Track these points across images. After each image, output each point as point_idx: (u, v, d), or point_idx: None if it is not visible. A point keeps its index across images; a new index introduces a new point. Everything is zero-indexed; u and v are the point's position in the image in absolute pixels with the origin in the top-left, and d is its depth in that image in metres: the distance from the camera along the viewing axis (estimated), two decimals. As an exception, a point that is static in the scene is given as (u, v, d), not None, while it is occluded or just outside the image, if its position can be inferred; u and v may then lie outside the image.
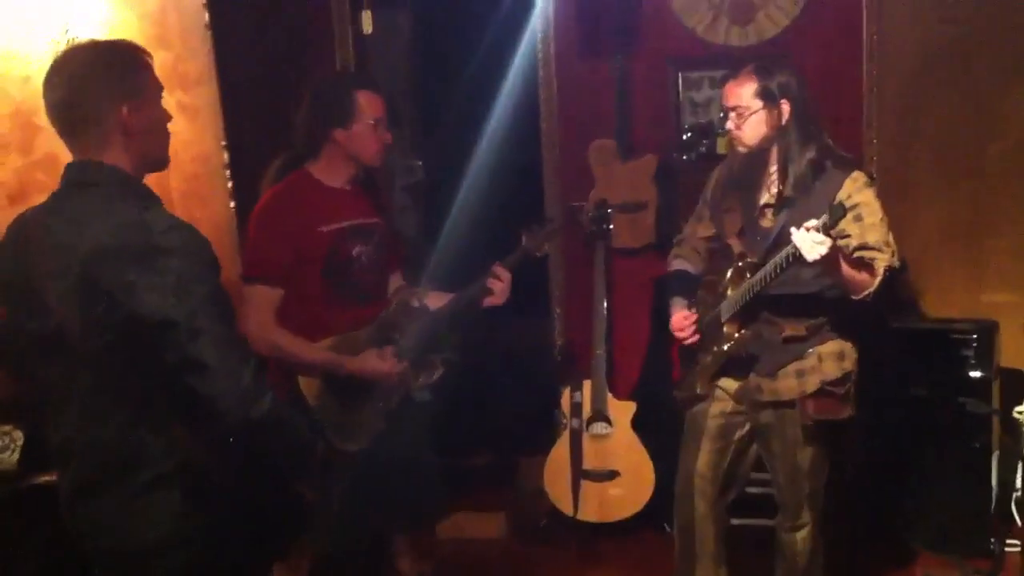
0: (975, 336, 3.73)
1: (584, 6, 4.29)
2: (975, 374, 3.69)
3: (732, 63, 4.14)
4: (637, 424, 3.99)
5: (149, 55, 2.12)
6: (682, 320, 3.14)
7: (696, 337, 3.13)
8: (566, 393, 4.11)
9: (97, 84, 2.03)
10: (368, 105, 3.03)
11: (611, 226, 4.18)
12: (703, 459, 3.12)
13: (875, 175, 4.16)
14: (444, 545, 3.76)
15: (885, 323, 4.00)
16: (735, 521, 3.26)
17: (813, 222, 2.54)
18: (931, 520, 3.76)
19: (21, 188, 3.33)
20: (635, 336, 4.24)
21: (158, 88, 2.13)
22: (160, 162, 2.16)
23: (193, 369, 1.93)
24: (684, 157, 4.34)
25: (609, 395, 4.02)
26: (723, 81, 3.02)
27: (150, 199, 2.07)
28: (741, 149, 2.95)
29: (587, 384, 4.04)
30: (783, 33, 4.20)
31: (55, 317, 2.00)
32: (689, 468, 3.15)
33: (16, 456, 3.15)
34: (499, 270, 3.16)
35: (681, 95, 4.33)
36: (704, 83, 4.32)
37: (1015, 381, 3.86)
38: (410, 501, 3.14)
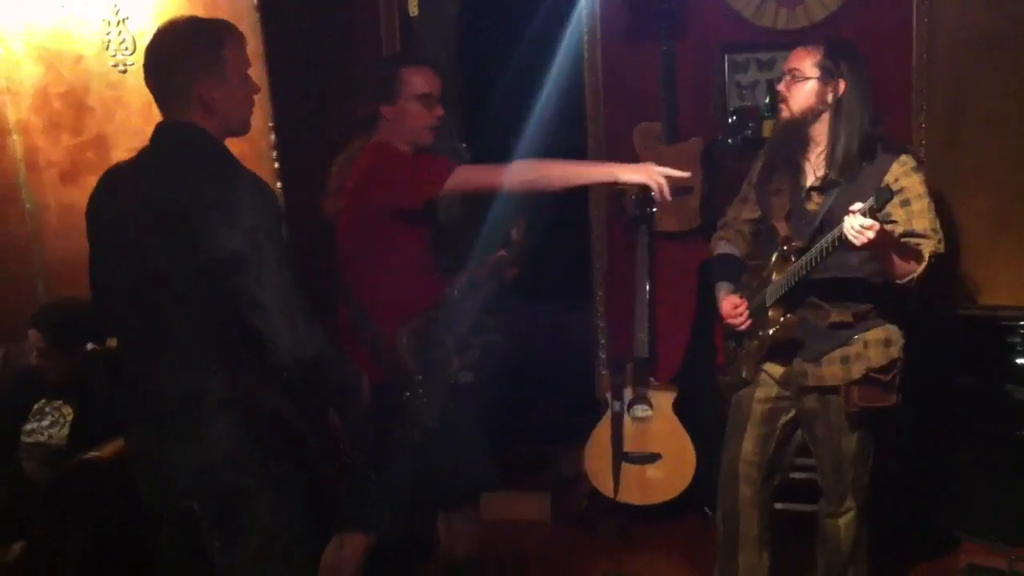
0: (1022, 323, 3.69)
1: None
2: (1022, 361, 3.64)
3: (779, 46, 4.21)
4: (679, 408, 3.99)
5: (239, 34, 2.28)
6: (733, 306, 3.10)
7: (748, 323, 3.09)
8: (607, 376, 4.11)
9: (176, 59, 2.22)
10: (413, 80, 3.06)
11: (655, 209, 4.17)
12: (748, 444, 3.10)
13: (924, 161, 4.12)
14: (487, 527, 3.79)
15: (932, 309, 3.98)
16: (779, 506, 3.25)
17: (859, 205, 2.51)
18: (976, 508, 3.71)
19: (73, 167, 3.40)
20: (678, 320, 4.23)
21: (241, 66, 2.29)
22: (240, 131, 2.33)
23: (256, 308, 2.11)
24: (729, 140, 4.31)
25: (651, 379, 4.02)
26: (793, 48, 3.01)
27: (229, 157, 2.23)
28: (784, 113, 2.94)
29: (629, 367, 4.04)
30: (832, 16, 4.14)
31: (144, 258, 2.16)
32: (734, 453, 3.13)
33: (66, 431, 3.22)
34: (505, 257, 3.23)
35: (727, 78, 4.30)
36: (751, 66, 4.28)
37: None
38: (456, 476, 3.17)
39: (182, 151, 2.20)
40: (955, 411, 3.69)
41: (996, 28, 3.98)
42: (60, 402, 3.27)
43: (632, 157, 4.32)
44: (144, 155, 2.26)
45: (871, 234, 2.51)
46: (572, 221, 4.66)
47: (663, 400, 4.00)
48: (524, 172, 2.93)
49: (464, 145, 4.37)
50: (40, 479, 3.19)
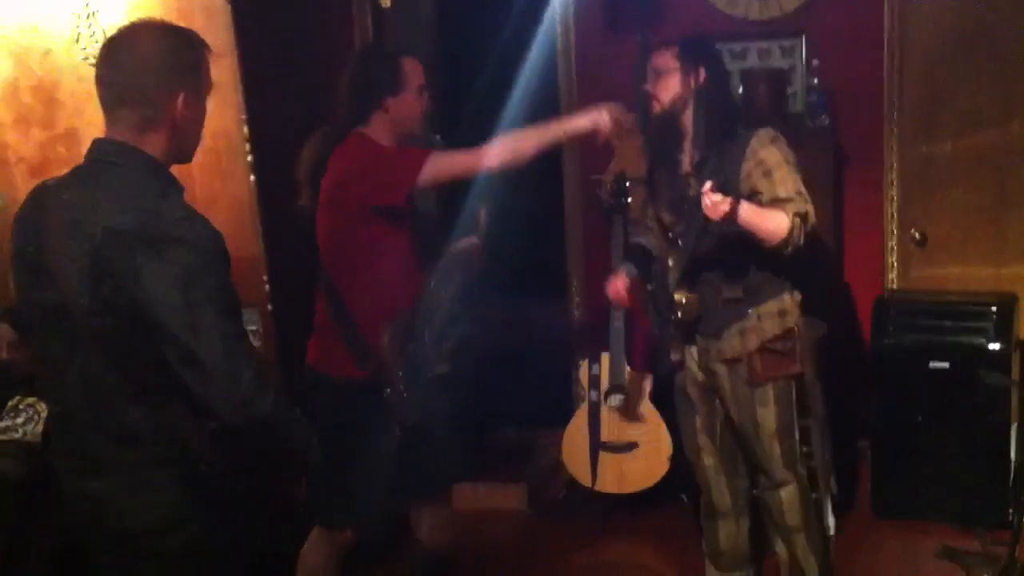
0: (994, 309, 3.73)
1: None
2: (994, 346, 3.68)
3: (752, 36, 4.23)
4: (655, 396, 4.01)
5: (211, 49, 2.12)
6: (616, 284, 3.24)
7: (628, 303, 3.29)
8: (584, 365, 4.13)
9: (161, 68, 2.03)
10: (414, 72, 3.08)
11: (630, 199, 4.18)
12: (699, 422, 3.22)
13: (896, 149, 4.16)
14: (463, 517, 3.80)
15: (905, 296, 4.02)
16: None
17: (708, 184, 2.70)
18: (950, 493, 3.76)
19: (43, 161, 3.38)
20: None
21: (211, 83, 2.13)
22: (190, 155, 2.16)
23: (191, 365, 1.92)
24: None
25: (627, 367, 4.03)
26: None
27: (171, 186, 2.05)
28: (656, 109, 3.08)
29: (605, 356, 4.06)
30: (804, 7, 4.17)
31: (63, 290, 1.98)
32: (688, 429, 3.26)
33: (40, 428, 3.20)
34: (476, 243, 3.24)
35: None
36: (724, 56, 4.28)
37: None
38: (431, 467, 3.18)
39: (118, 175, 2.00)
40: (929, 396, 3.73)
41: (969, 24, 4.02)
42: (34, 399, 3.25)
43: (605, 147, 4.34)
44: (76, 174, 2.07)
45: (725, 207, 2.68)
46: (547, 211, 4.67)
47: (639, 389, 4.01)
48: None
49: (438, 136, 4.36)
50: (16, 476, 3.17)
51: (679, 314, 3.06)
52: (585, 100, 4.38)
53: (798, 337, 3.06)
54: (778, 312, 3.04)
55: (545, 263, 4.65)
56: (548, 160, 4.47)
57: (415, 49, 4.87)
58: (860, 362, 3.99)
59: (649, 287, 3.26)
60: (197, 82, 2.09)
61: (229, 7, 3.30)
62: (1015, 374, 3.71)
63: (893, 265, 4.24)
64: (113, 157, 2.03)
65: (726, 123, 3.01)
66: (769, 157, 2.93)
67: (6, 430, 3.29)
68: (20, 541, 2.99)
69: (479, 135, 4.02)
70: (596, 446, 4.04)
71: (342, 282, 3.05)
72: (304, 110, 3.47)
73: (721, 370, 3.07)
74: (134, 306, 1.91)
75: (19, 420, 3.29)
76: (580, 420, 4.08)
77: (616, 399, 4.02)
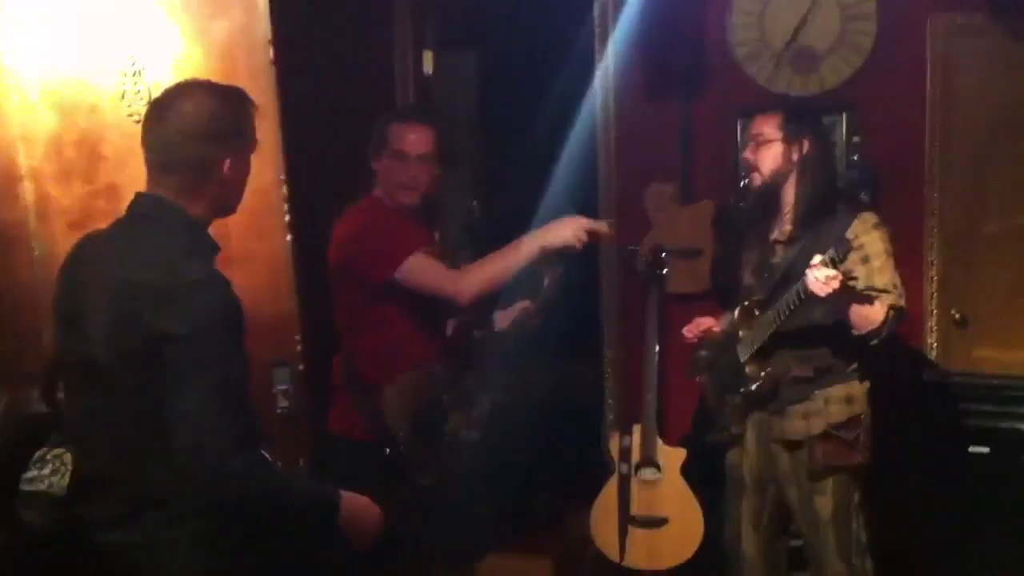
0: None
1: (647, 51, 4.29)
2: (1036, 433, 3.60)
3: None
4: (687, 471, 3.93)
5: (256, 106, 2.14)
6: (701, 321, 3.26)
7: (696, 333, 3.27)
8: (615, 437, 4.06)
9: (207, 135, 2.04)
10: (398, 137, 3.09)
11: (665, 271, 4.15)
12: (747, 507, 3.12)
13: (937, 229, 4.11)
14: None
15: (947, 377, 3.94)
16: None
17: (819, 257, 2.60)
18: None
19: (83, 216, 3.39)
20: (687, 382, 4.18)
21: (256, 141, 2.16)
22: (233, 210, 2.19)
23: (173, 420, 1.92)
24: (741, 204, 4.30)
25: (659, 440, 3.97)
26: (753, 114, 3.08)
27: (202, 246, 2.07)
28: (756, 177, 2.99)
29: (637, 428, 3.99)
30: (845, 84, 4.16)
31: (92, 343, 2.00)
32: (734, 514, 3.18)
33: (67, 480, 3.17)
34: (528, 307, 3.20)
35: (740, 142, 4.30)
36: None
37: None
38: (459, 537, 3.13)
39: (152, 231, 2.03)
40: (970, 482, 3.64)
41: (1016, 96, 3.98)
42: (62, 450, 3.24)
43: (643, 217, 4.32)
44: (115, 228, 2.12)
45: (835, 284, 2.59)
46: (583, 280, 4.64)
47: (671, 463, 3.94)
48: (474, 280, 2.94)
49: (475, 203, 4.37)
50: (40, 528, 3.15)
51: (753, 387, 2.99)
52: (624, 165, 4.40)
53: (864, 427, 2.98)
54: (846, 398, 2.95)
55: (578, 332, 4.60)
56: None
57: (456, 116, 4.95)
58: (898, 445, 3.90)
59: (703, 353, 3.19)
60: (243, 144, 2.12)
61: (273, 68, 3.32)
62: (1058, 462, 3.62)
63: (933, 346, 4.17)
64: (150, 212, 2.06)
65: (829, 199, 2.95)
66: (870, 243, 2.87)
67: (33, 480, 3.27)
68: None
69: (517, 200, 4.04)
70: (625, 520, 3.96)
71: (349, 342, 3.06)
72: (343, 172, 3.49)
73: (779, 450, 2.99)
74: (151, 361, 1.92)
75: (46, 471, 3.26)
76: (609, 493, 4.00)
77: (647, 472, 3.95)
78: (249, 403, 2.08)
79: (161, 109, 2.08)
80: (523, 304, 3.27)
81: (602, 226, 2.98)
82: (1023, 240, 4.04)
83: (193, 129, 2.03)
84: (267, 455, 2.18)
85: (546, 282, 3.23)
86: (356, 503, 2.20)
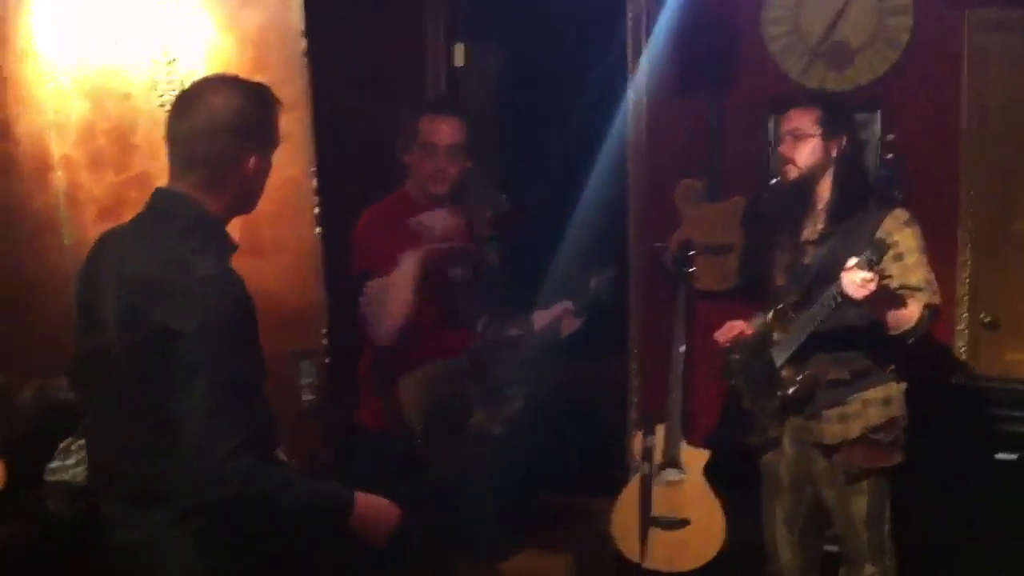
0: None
1: (680, 45, 4.26)
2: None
3: None
4: (710, 472, 3.91)
5: (282, 104, 2.12)
6: (734, 324, 3.17)
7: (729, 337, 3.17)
8: (639, 436, 4.03)
9: (232, 131, 2.02)
10: (428, 129, 3.09)
11: (694, 268, 4.12)
12: (780, 509, 3.11)
13: (970, 229, 4.06)
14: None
15: (975, 381, 3.89)
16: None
17: (854, 260, 2.56)
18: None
19: (114, 204, 3.40)
20: (712, 382, 4.16)
21: (279, 140, 2.13)
22: (252, 207, 2.16)
23: (179, 417, 1.90)
24: (771, 198, 4.25)
25: (683, 441, 3.95)
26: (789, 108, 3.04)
27: (216, 241, 2.05)
28: (791, 172, 2.98)
29: (661, 428, 3.97)
30: (880, 79, 4.10)
31: (104, 338, 1.99)
32: (770, 518, 3.15)
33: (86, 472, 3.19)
34: (569, 308, 3.19)
35: (772, 138, 4.26)
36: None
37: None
38: (479, 533, 3.13)
39: (167, 226, 2.01)
40: (996, 487, 3.60)
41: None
42: (82, 441, 3.25)
43: (673, 213, 4.30)
44: (133, 223, 2.09)
45: (872, 286, 2.57)
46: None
47: (694, 464, 3.91)
48: (383, 325, 3.01)
49: (504, 196, 4.36)
50: (64, 517, 3.17)
51: (790, 391, 2.96)
52: (653, 160, 4.37)
53: (901, 428, 2.95)
54: (883, 400, 2.93)
55: (605, 329, 4.60)
56: (615, 222, 4.48)
57: (484, 108, 4.93)
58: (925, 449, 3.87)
59: (736, 356, 3.16)
60: (267, 142, 2.10)
61: (306, 60, 3.32)
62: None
63: (962, 349, 4.12)
64: (167, 207, 2.05)
65: (862, 196, 2.93)
66: (903, 240, 2.84)
67: (56, 471, 3.28)
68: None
69: (546, 194, 4.03)
70: (646, 521, 3.93)
71: (370, 333, 3.07)
72: (373, 164, 3.49)
73: (816, 453, 2.97)
74: (158, 356, 1.90)
75: (69, 462, 3.28)
76: (631, 492, 3.98)
77: (670, 473, 3.93)
78: (262, 403, 2.08)
79: (188, 102, 2.06)
80: (564, 305, 3.26)
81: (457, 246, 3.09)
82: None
83: (220, 124, 2.01)
84: (282, 455, 2.17)
85: (592, 283, 3.22)
86: (372, 503, 2.18)
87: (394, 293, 2.98)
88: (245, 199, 2.13)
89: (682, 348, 4.04)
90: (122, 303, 1.95)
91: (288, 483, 2.04)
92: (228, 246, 2.09)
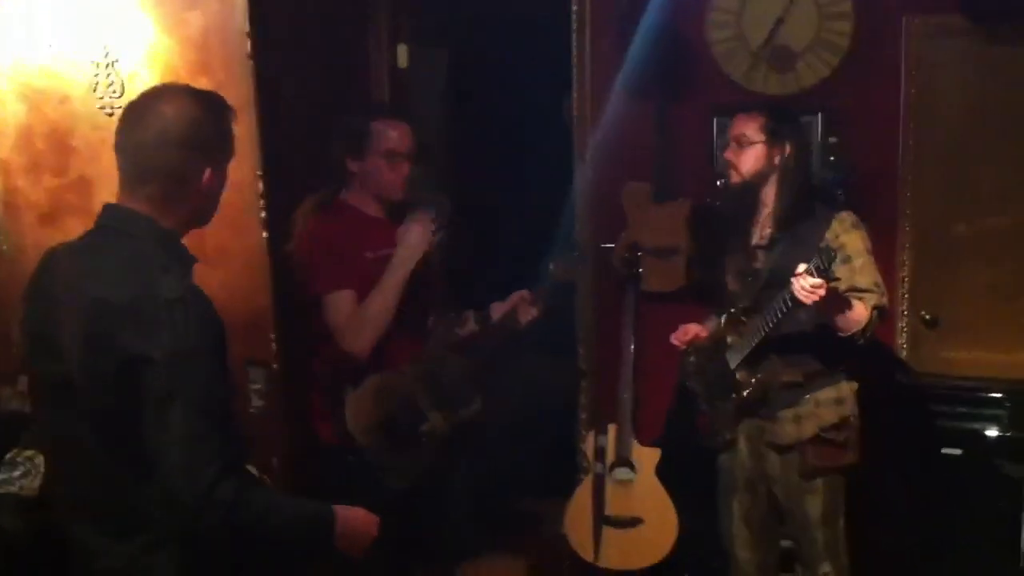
0: (1010, 396, 3.68)
1: (624, 48, 4.27)
2: (1009, 435, 3.63)
3: None
4: (661, 471, 3.93)
5: (235, 113, 2.07)
6: (689, 328, 3.22)
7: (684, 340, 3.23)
8: (590, 437, 4.05)
9: (191, 139, 1.96)
10: (383, 136, 3.06)
11: (641, 269, 4.14)
12: (738, 508, 3.13)
13: (910, 229, 4.13)
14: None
15: (918, 379, 3.96)
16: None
17: (803, 266, 2.62)
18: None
19: (53, 209, 3.32)
20: (661, 381, 4.19)
21: (234, 150, 2.08)
22: (207, 220, 2.11)
23: (155, 446, 1.84)
24: (717, 204, 4.30)
25: (634, 440, 3.96)
26: (734, 114, 3.07)
27: (177, 260, 1.99)
28: (735, 178, 3.02)
29: (612, 428, 3.99)
30: (822, 83, 4.16)
31: (66, 364, 1.91)
32: (725, 518, 3.19)
33: (38, 483, 3.12)
34: (527, 296, 3.17)
35: (716, 141, 4.29)
36: (740, 129, 4.28)
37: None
38: (437, 538, 3.11)
39: (124, 245, 1.94)
40: (941, 483, 3.67)
41: (990, 98, 4.00)
42: (33, 452, 3.17)
43: (620, 215, 4.31)
44: (84, 241, 2.01)
45: (821, 292, 2.62)
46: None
47: (646, 463, 3.93)
48: (364, 335, 3.00)
49: (448, 199, 4.34)
50: (13, 530, 3.09)
51: (744, 394, 2.99)
52: (601, 164, 4.37)
53: (854, 427, 2.99)
54: (835, 400, 2.98)
55: (554, 330, 4.60)
56: (562, 225, 4.48)
57: (429, 111, 4.90)
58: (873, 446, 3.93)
59: (692, 359, 3.19)
60: (222, 154, 2.04)
61: (251, 62, 3.26)
62: (1030, 464, 3.66)
63: (903, 347, 4.19)
64: (121, 225, 1.97)
65: (807, 201, 2.97)
66: (850, 243, 2.90)
67: (3, 483, 3.20)
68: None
69: (490, 197, 4.01)
70: (599, 520, 3.95)
71: (323, 343, 3.04)
72: (320, 167, 3.44)
73: (772, 455, 3.00)
74: (128, 385, 1.83)
75: (16, 473, 3.19)
76: (584, 493, 3.99)
77: (622, 472, 3.94)
78: (234, 422, 2.01)
79: (139, 113, 1.98)
80: (520, 294, 3.23)
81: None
82: (995, 241, 4.06)
83: (173, 136, 1.94)
84: (253, 470, 2.12)
85: (551, 268, 3.20)
86: (351, 516, 2.15)
87: (381, 302, 2.96)
88: (200, 213, 2.07)
89: (631, 348, 4.06)
90: (85, 331, 1.88)
91: (272, 506, 2.00)
92: (188, 261, 2.04)
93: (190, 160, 1.97)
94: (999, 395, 3.70)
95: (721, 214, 3.22)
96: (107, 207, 2.02)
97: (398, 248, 3.02)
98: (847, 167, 4.08)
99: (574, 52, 4.31)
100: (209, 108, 2.02)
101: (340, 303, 3.00)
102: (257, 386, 3.29)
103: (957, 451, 3.67)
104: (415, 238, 3.00)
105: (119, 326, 1.85)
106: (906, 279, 4.16)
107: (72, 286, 1.94)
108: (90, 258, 1.97)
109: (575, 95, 4.37)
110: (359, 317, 2.98)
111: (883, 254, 4.11)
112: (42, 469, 3.13)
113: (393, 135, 3.09)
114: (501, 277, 3.56)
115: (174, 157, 1.95)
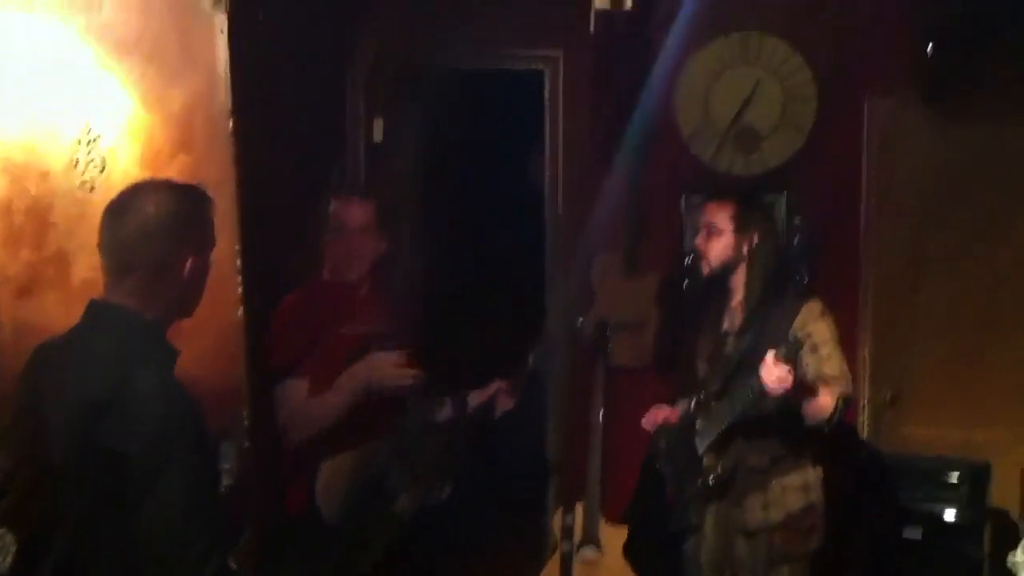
0: (966, 477, 3.75)
1: (597, 126, 4.36)
2: (965, 517, 3.69)
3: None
4: (629, 549, 3.94)
5: (215, 204, 2.14)
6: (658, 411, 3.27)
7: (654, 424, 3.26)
8: (558, 514, 4.06)
9: (170, 231, 2.00)
10: (337, 212, 3.11)
11: (610, 344, 4.18)
12: None
13: (871, 306, 4.23)
14: None
15: (880, 459, 4.03)
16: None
17: (771, 354, 2.68)
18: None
19: (30, 283, 3.31)
20: (631, 457, 4.22)
21: (215, 240, 2.14)
22: (191, 311, 2.14)
23: (138, 534, 1.87)
24: (685, 281, 4.37)
25: (601, 519, 3.97)
26: (706, 200, 3.13)
27: (158, 355, 2.01)
28: (705, 268, 3.07)
29: (580, 505, 4.00)
30: (786, 164, 4.27)
31: (54, 456, 1.94)
32: None
33: (9, 561, 3.07)
34: (504, 387, 3.20)
35: (685, 218, 4.38)
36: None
37: (1008, 524, 3.86)
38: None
39: (107, 341, 1.98)
40: (904, 565, 3.72)
41: (949, 173, 4.12)
42: (3, 530, 3.12)
43: (589, 288, 4.37)
44: (71, 337, 2.05)
45: (788, 381, 2.69)
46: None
47: (613, 541, 3.94)
48: (300, 429, 3.04)
49: (423, 270, 4.38)
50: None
51: (711, 478, 3.03)
52: (573, 237, 4.44)
53: (819, 514, 3.04)
54: (802, 486, 3.03)
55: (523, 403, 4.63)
56: (534, 297, 4.53)
57: (403, 183, 4.93)
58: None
59: (662, 443, 3.23)
60: (203, 243, 2.09)
61: (233, 139, 3.29)
62: (987, 546, 3.72)
63: (865, 425, 4.27)
64: (103, 322, 2.02)
65: (777, 289, 3.03)
66: (818, 332, 2.96)
67: (-28, 559, 3.16)
68: None
69: (464, 270, 4.04)
70: (566, 599, 3.95)
71: (285, 434, 3.05)
72: (298, 245, 3.47)
73: (738, 539, 3.03)
74: (110, 477, 1.86)
75: (-13, 550, 3.16)
76: (551, 571, 3.99)
77: (588, 551, 3.95)
78: (218, 505, 2.05)
79: (120, 210, 2.03)
80: (498, 384, 3.27)
81: (404, 373, 3.06)
82: (955, 314, 4.17)
83: (153, 227, 1.99)
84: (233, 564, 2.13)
85: (531, 360, 3.24)
86: None
87: (324, 411, 2.99)
88: (183, 303, 2.11)
89: (600, 424, 4.09)
90: (69, 425, 1.91)
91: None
92: (169, 354, 2.06)
93: (171, 250, 2.02)
94: (956, 477, 3.76)
95: (690, 298, 3.27)
96: (91, 303, 2.06)
97: (369, 366, 3.04)
98: (812, 248, 4.18)
99: (546, 128, 4.40)
100: (186, 199, 2.08)
101: (289, 392, 3.04)
102: (227, 465, 3.28)
103: (918, 533, 3.72)
104: (379, 362, 3.01)
105: (98, 423, 1.88)
106: (866, 358, 4.24)
107: (58, 381, 1.98)
108: (72, 356, 2.01)
109: (547, 166, 4.45)
110: (302, 413, 3.00)
111: (845, 332, 4.22)
112: (13, 549, 3.09)
113: (346, 210, 3.15)
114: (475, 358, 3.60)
115: (154, 248, 2.00)
